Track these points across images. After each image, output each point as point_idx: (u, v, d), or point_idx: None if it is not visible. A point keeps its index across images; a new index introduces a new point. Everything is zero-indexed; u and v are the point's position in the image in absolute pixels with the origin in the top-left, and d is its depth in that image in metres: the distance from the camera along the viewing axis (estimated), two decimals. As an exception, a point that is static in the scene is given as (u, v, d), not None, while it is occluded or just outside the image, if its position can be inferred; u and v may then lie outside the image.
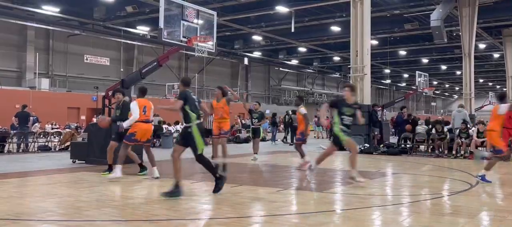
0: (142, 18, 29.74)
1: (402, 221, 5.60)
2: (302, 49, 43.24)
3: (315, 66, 52.75)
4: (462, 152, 14.05)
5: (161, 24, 11.81)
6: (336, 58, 47.37)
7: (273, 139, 22.72)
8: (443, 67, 52.69)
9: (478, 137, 13.78)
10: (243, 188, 7.86)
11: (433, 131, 15.18)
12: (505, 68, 37.80)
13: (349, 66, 17.56)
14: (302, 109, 11.06)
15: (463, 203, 6.64)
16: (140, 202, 6.65)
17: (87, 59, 33.77)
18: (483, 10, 26.34)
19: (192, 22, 12.65)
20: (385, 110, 23.01)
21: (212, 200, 6.89)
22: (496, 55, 43.16)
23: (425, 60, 47.40)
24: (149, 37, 34.05)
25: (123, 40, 34.74)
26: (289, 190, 7.82)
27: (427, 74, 32.73)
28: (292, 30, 29.23)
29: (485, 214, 6.02)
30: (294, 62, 50.05)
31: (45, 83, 31.12)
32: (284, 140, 22.81)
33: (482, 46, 38.05)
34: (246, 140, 23.89)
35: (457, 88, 73.30)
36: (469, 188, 7.93)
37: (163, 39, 11.90)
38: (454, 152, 14.22)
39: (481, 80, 62.42)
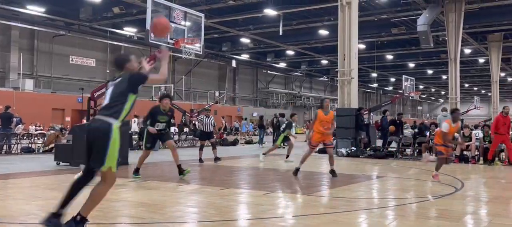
0: (129, 19, 29.53)
1: (388, 225, 5.62)
2: (290, 52, 43.35)
3: (303, 69, 52.92)
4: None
5: (148, 25, 11.75)
6: (324, 62, 47.60)
7: (261, 141, 22.68)
8: (429, 71, 53.25)
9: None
10: (229, 191, 7.82)
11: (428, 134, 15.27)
12: (490, 73, 38.31)
13: (336, 69, 17.61)
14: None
15: (448, 207, 6.68)
16: (125, 204, 6.57)
17: (72, 60, 33.39)
18: (468, 16, 26.67)
19: (179, 24, 12.63)
20: (371, 114, 23.13)
21: (198, 203, 6.84)
22: (481, 60, 43.74)
23: (411, 65, 47.86)
24: (136, 38, 33.82)
25: (109, 41, 34.46)
26: (275, 193, 7.79)
27: (414, 79, 33.05)
28: (280, 33, 29.27)
29: (470, 218, 6.06)
30: (282, 65, 50.16)
31: (29, 84, 30.71)
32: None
33: (467, 51, 38.53)
34: (234, 143, 23.87)
35: (443, 92, 74.14)
36: (454, 192, 7.99)
37: (150, 40, 11.84)
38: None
39: (466, 85, 63.19)
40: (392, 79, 60.94)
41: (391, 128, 16.80)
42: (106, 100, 4.55)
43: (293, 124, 15.02)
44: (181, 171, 9.27)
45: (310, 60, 48.20)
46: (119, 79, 4.57)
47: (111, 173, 4.43)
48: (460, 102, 27.01)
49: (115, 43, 35.12)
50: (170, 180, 9.12)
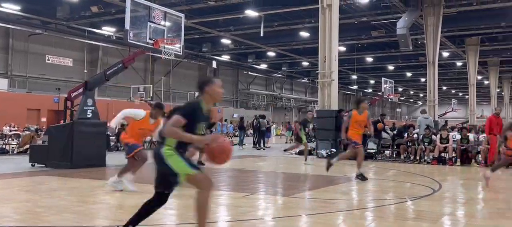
0: (107, 18, 29.12)
1: (367, 226, 5.63)
2: (271, 54, 43.41)
3: (283, 71, 53.05)
4: (425, 157, 14.33)
5: (127, 25, 11.60)
6: (305, 64, 47.80)
7: (241, 143, 22.62)
8: (408, 74, 53.94)
9: (441, 142, 14.09)
10: (209, 193, 7.74)
11: (406, 135, 15.44)
12: (467, 76, 39.01)
13: (317, 71, 17.68)
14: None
15: (426, 208, 6.74)
16: (102, 207, 6.44)
17: (49, 59, 32.73)
18: (447, 20, 27.10)
19: (159, 24, 12.49)
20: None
21: (177, 205, 6.74)
22: (459, 64, 44.50)
23: (391, 67, 48.42)
24: (114, 38, 33.38)
25: (87, 41, 33.94)
26: (255, 195, 7.75)
27: (393, 81, 33.46)
28: (261, 34, 29.25)
29: (447, 219, 6.12)
30: (263, 66, 50.19)
31: (3, 83, 30.08)
32: (257, 146, 22.23)
33: (445, 54, 39.15)
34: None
35: (421, 95, 75.18)
36: (432, 193, 8.07)
37: (128, 40, 11.69)
38: (417, 157, 14.48)
39: (444, 88, 64.22)
40: (372, 82, 61.58)
41: (379, 125, 16.94)
42: None
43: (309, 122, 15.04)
44: None
45: (291, 61, 48.34)
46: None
47: (194, 177, 4.18)
48: (438, 105, 27.38)
49: (93, 42, 34.62)
50: (148, 182, 8.98)
